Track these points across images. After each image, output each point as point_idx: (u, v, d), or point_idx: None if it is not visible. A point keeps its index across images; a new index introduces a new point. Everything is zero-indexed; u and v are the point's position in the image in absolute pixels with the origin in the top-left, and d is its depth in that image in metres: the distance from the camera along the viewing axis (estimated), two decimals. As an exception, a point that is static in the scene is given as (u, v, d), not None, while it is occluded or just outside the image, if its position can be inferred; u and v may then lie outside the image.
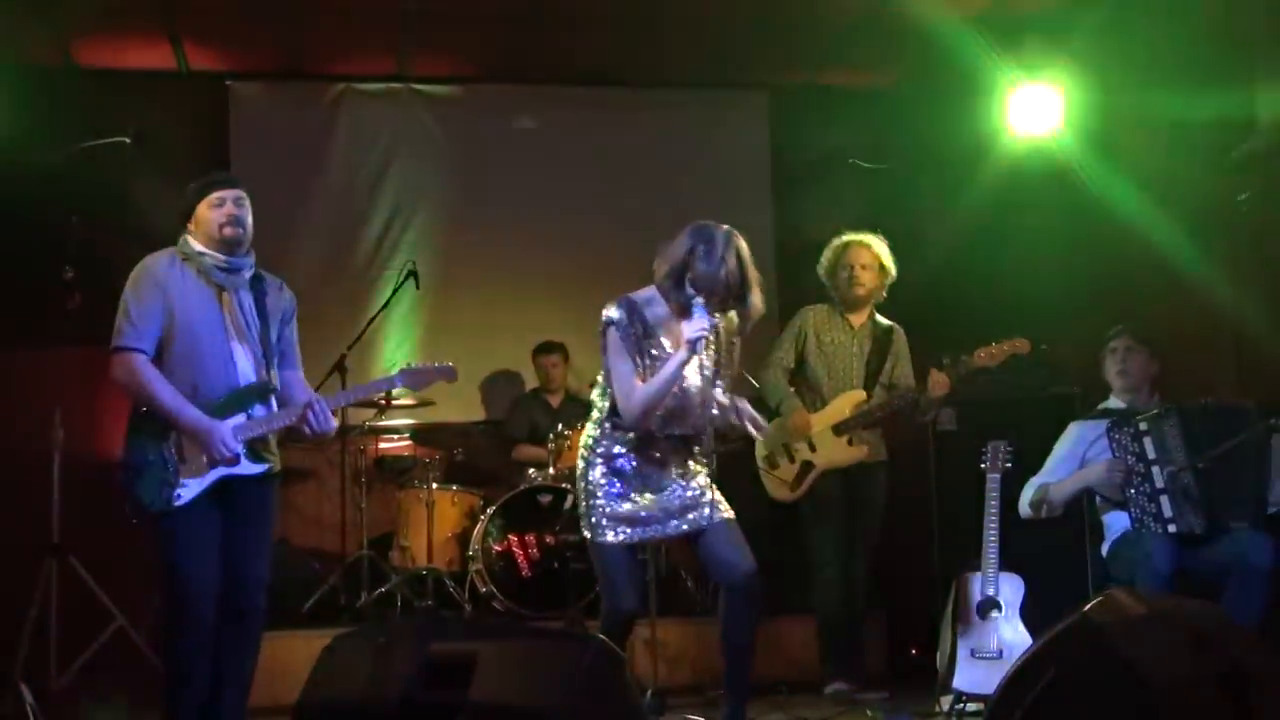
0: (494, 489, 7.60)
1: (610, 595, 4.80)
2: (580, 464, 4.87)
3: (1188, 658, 3.22)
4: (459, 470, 7.83)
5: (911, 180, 8.22)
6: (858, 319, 6.28)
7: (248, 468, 4.64)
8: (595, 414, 4.91)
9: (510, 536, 7.10)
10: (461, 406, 8.17)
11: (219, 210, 4.66)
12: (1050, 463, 5.81)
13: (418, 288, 7.56)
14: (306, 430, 4.67)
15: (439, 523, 7.29)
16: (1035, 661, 3.29)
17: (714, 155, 8.51)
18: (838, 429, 6.10)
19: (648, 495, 4.79)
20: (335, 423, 4.78)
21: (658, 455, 4.82)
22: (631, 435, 4.80)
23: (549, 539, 7.07)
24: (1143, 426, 5.44)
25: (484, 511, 7.23)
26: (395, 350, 8.13)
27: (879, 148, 8.30)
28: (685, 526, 4.81)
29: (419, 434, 8.06)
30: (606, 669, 3.19)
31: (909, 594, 6.99)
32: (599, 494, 4.80)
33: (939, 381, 5.98)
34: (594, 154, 8.57)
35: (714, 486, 4.82)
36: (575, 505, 7.05)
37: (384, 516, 7.65)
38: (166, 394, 4.54)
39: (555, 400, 8.04)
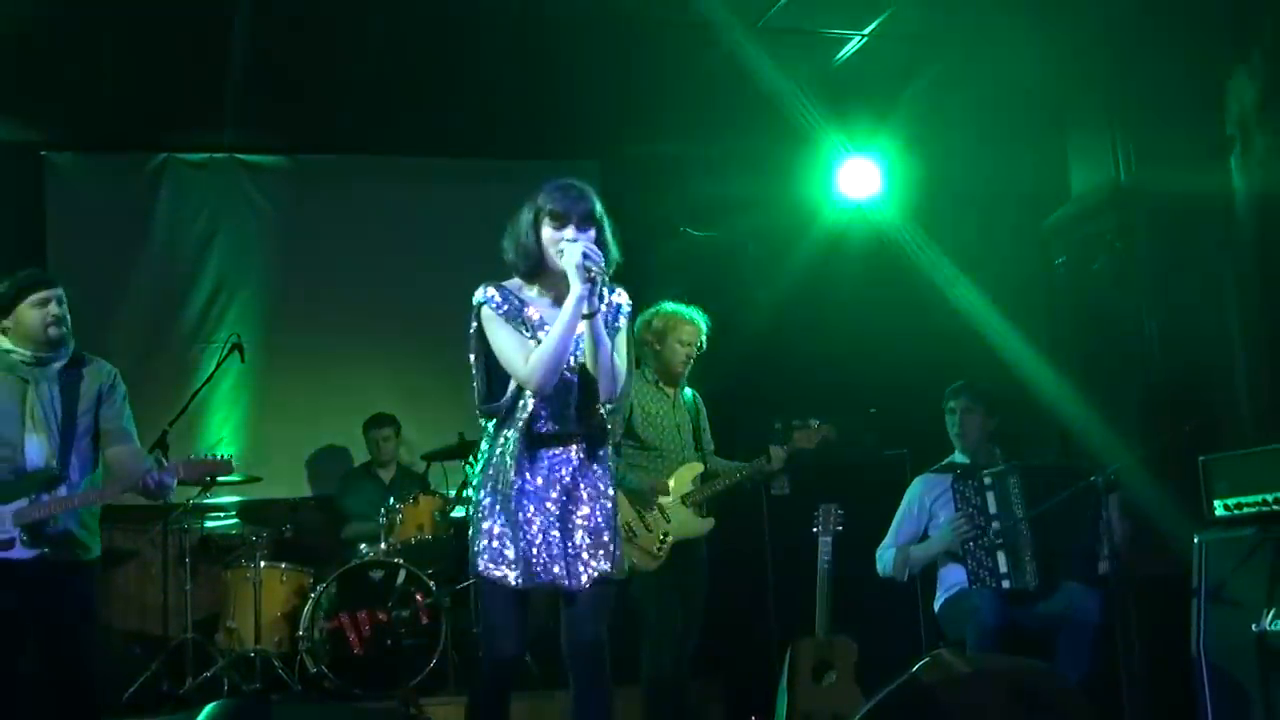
0: (324, 566, 7.41)
1: (487, 639, 4.27)
2: (471, 489, 4.36)
3: (1013, 715, 3.25)
4: (288, 548, 7.63)
5: (740, 246, 8.32)
6: (673, 390, 6.06)
7: (20, 552, 4.62)
8: (486, 431, 4.34)
9: (341, 614, 6.94)
10: (289, 482, 8.03)
11: (43, 310, 4.74)
12: (897, 522, 5.93)
13: (243, 361, 7.39)
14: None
15: (267, 602, 7.07)
16: (866, 724, 3.29)
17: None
18: (686, 500, 5.92)
19: (538, 525, 4.16)
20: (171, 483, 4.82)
21: (547, 467, 4.21)
22: (513, 439, 4.21)
23: (381, 616, 6.93)
24: (987, 481, 5.58)
25: (314, 589, 7.06)
26: (221, 425, 7.96)
27: (709, 215, 8.38)
28: (586, 574, 4.17)
29: (245, 511, 7.83)
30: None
31: (746, 660, 6.98)
32: (484, 520, 4.20)
33: (778, 457, 5.87)
34: (424, 225, 8.52)
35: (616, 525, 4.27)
36: (409, 580, 7.02)
37: (210, 598, 7.42)
38: None
39: (387, 475, 7.92)
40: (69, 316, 4.82)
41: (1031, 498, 5.50)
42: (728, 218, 8.25)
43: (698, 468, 5.98)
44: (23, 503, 4.64)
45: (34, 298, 4.75)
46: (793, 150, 7.53)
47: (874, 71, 7.27)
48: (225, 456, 5.05)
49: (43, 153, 8.04)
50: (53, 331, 4.75)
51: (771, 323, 7.81)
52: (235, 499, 7.81)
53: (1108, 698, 5.38)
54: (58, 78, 7.20)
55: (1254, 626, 4.71)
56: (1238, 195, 5.73)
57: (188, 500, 7.24)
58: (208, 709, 3.41)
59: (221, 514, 7.89)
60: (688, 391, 6.12)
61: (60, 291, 4.81)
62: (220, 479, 7.04)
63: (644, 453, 5.97)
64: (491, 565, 4.17)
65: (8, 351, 4.78)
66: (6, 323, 4.78)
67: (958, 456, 5.99)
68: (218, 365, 7.43)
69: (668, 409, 5.99)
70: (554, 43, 7.05)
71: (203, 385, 7.47)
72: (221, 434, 7.89)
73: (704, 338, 5.99)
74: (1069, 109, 6.59)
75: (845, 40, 7.07)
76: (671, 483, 5.92)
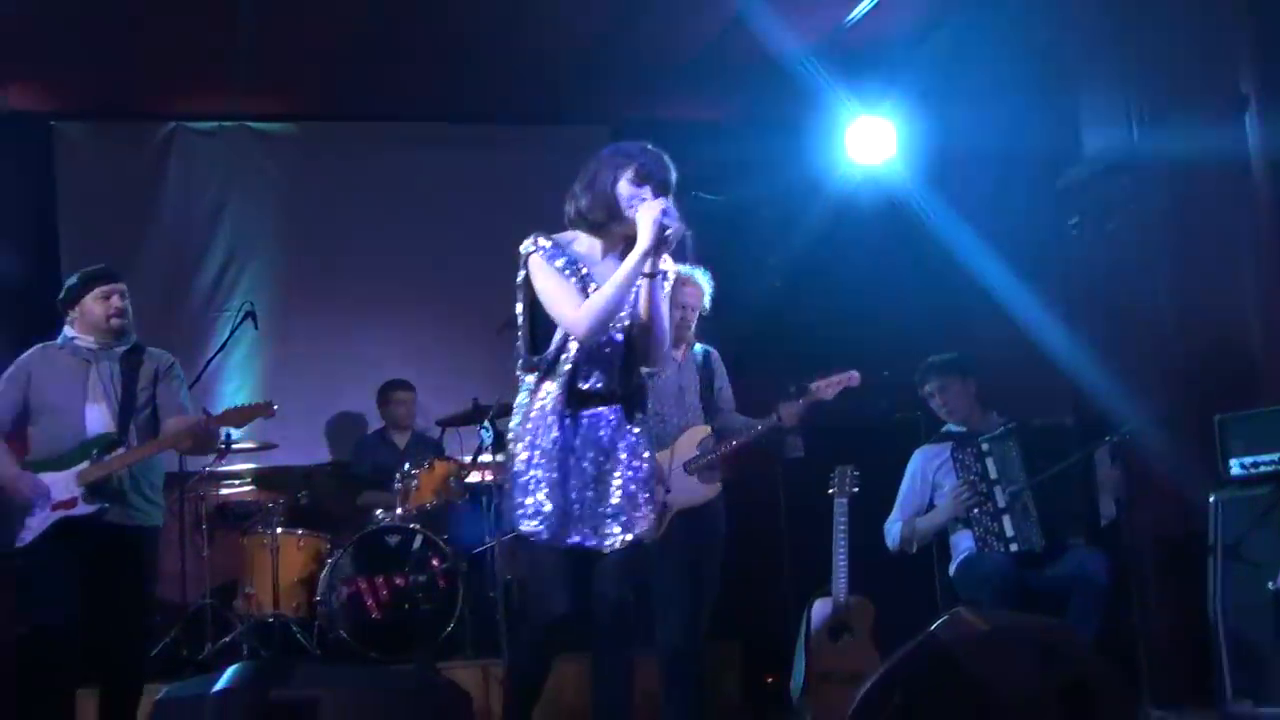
0: (341, 532, 7.43)
1: (534, 598, 4.21)
2: (510, 441, 4.24)
3: (1033, 672, 3.26)
4: (304, 514, 7.64)
5: (752, 211, 8.29)
6: (680, 351, 5.75)
7: (83, 508, 5.03)
8: (524, 384, 4.21)
9: (359, 579, 6.96)
10: (305, 448, 8.03)
11: (107, 303, 5.20)
12: (902, 496, 5.93)
13: (256, 329, 7.41)
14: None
15: (284, 568, 7.10)
16: (883, 683, 3.30)
17: (556, 189, 8.41)
18: (689, 467, 5.67)
19: (573, 483, 4.09)
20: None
21: (586, 425, 4.13)
22: (553, 394, 4.11)
23: (398, 580, 6.95)
24: (985, 447, 5.60)
25: (331, 555, 7.09)
26: (235, 393, 7.94)
27: (720, 180, 8.35)
28: (620, 537, 4.11)
29: (261, 478, 7.88)
30: (454, 711, 3.12)
31: (762, 622, 7.00)
32: (521, 475, 4.11)
33: (790, 413, 5.65)
34: (434, 190, 8.50)
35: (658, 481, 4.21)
36: (425, 545, 7.03)
37: (228, 564, 7.42)
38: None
39: (402, 440, 7.93)
40: (130, 309, 5.25)
41: (1030, 459, 5.52)
42: (739, 181, 8.22)
43: (703, 431, 5.73)
44: (85, 464, 5.04)
45: (99, 290, 5.20)
46: (804, 113, 7.50)
47: (885, 32, 7.25)
48: (266, 400, 5.55)
49: (52, 123, 8.02)
50: (115, 323, 5.19)
51: (784, 287, 7.79)
52: (250, 466, 7.85)
53: (1123, 657, 5.41)
54: (66, 47, 7.19)
55: (1270, 585, 4.73)
56: (1253, 154, 5.70)
57: (204, 468, 7.28)
58: (230, 671, 3.43)
59: (237, 481, 7.94)
60: (699, 349, 5.88)
61: (124, 286, 5.26)
62: (235, 446, 7.12)
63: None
64: (527, 521, 4.08)
65: (72, 339, 5.22)
66: (73, 313, 5.22)
67: (953, 427, 5.99)
68: (231, 333, 7.47)
69: (672, 371, 5.71)
70: (564, 6, 7.03)
71: (216, 353, 7.50)
72: (235, 402, 7.80)
73: (708, 300, 5.74)
74: (1081, 68, 6.56)
75: (856, 1, 7.04)
76: (675, 449, 5.69)
